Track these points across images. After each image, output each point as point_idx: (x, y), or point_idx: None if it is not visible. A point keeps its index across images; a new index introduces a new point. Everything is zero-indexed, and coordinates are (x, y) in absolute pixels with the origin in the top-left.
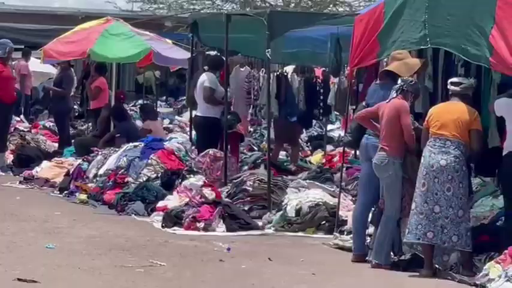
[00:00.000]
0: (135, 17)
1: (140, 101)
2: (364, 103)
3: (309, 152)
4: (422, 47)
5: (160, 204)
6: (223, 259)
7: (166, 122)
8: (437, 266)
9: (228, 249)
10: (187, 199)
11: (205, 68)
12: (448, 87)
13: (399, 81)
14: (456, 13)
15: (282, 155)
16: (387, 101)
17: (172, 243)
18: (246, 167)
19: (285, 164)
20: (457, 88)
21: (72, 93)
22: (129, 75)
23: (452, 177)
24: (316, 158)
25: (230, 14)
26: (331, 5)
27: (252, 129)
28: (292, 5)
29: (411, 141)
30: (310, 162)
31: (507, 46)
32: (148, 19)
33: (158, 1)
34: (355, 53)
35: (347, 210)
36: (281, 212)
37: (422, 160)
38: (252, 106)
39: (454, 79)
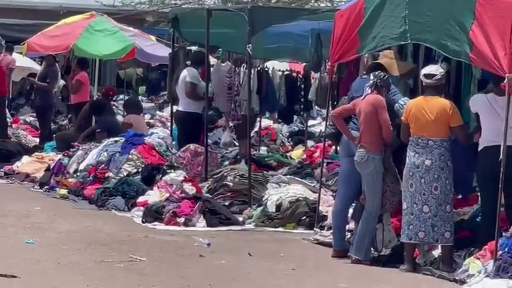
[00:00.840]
0: (116, 12)
1: (122, 96)
2: (346, 97)
3: (290, 148)
4: (402, 42)
5: (140, 199)
6: (203, 254)
7: (147, 117)
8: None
9: (208, 244)
10: (168, 194)
11: (187, 63)
12: (422, 79)
13: (371, 76)
14: (436, 9)
15: (263, 150)
16: (362, 97)
17: (153, 238)
18: (227, 162)
19: (266, 159)
20: (430, 81)
21: (56, 89)
22: (111, 70)
23: (438, 176)
24: (297, 153)
25: (211, 9)
26: (312, 0)
27: (232, 125)
28: (274, 0)
29: (389, 136)
30: (291, 158)
31: (487, 42)
32: (130, 14)
33: None
34: (335, 48)
35: (327, 205)
36: (261, 207)
37: (407, 160)
38: (233, 101)
39: (426, 71)
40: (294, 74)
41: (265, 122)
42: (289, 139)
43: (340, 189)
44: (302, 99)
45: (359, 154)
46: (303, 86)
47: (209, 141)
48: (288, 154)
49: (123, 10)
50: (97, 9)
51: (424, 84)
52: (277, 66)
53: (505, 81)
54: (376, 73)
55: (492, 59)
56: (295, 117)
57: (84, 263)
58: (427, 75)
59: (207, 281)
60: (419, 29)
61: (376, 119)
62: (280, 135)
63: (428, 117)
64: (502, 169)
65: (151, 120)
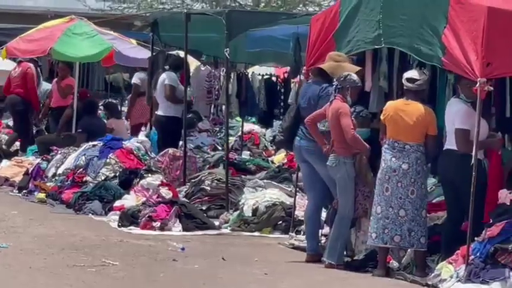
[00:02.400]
0: (104, 17)
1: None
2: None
3: (272, 152)
4: (376, 46)
5: (117, 203)
6: (177, 259)
7: None
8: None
9: (182, 248)
10: (144, 198)
11: (166, 67)
12: (403, 82)
13: (334, 81)
14: (410, 13)
15: (246, 154)
16: (329, 103)
17: (127, 242)
18: (207, 166)
19: (246, 163)
20: (411, 85)
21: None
22: (99, 75)
23: (415, 180)
24: (279, 157)
25: (190, 13)
26: (300, 5)
27: (217, 129)
28: (263, 4)
29: (352, 141)
30: (273, 162)
31: (459, 46)
32: (117, 18)
33: (128, 0)
34: (311, 52)
35: (303, 210)
36: (238, 211)
37: (383, 164)
38: (213, 105)
39: (409, 75)
40: (274, 78)
41: (249, 126)
42: (272, 143)
43: (307, 194)
44: (282, 103)
45: (330, 159)
46: (282, 90)
47: (191, 145)
48: (270, 158)
49: (110, 14)
50: (85, 13)
51: (404, 87)
52: (256, 71)
53: (476, 85)
54: (338, 76)
55: (464, 63)
56: (274, 121)
57: (55, 267)
58: (409, 79)
59: (178, 285)
60: (393, 33)
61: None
62: (263, 139)
63: (406, 122)
64: (474, 173)
65: None
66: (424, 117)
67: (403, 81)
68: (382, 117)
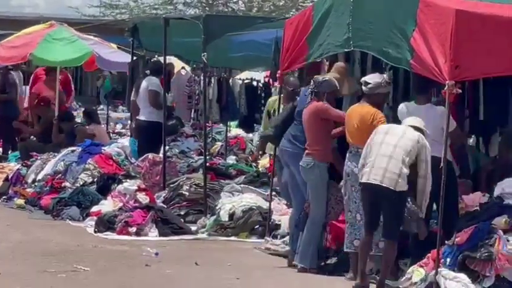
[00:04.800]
0: (94, 22)
1: (101, 106)
2: (288, 105)
3: (259, 156)
4: (346, 49)
5: (94, 209)
6: (150, 264)
7: (119, 127)
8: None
9: (156, 253)
10: (121, 204)
11: (147, 72)
12: (361, 86)
13: (311, 83)
14: (379, 16)
15: (232, 159)
16: (305, 106)
17: (102, 248)
18: (188, 171)
19: (229, 168)
20: (364, 88)
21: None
22: (92, 82)
23: None
24: (264, 161)
25: (168, 18)
26: (293, 10)
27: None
28: (255, 9)
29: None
30: (256, 167)
31: (428, 49)
32: (99, 24)
33: (120, 6)
34: (285, 56)
35: (280, 214)
36: (214, 216)
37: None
38: (193, 110)
39: (364, 78)
40: (254, 83)
41: (235, 131)
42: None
43: (292, 198)
44: (262, 108)
45: (305, 160)
46: (263, 94)
47: (176, 150)
48: (254, 164)
49: (101, 20)
50: (77, 19)
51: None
52: (244, 76)
53: (445, 88)
54: (314, 79)
55: (433, 66)
56: (256, 125)
57: (26, 274)
58: (363, 83)
59: None
60: (362, 36)
61: (319, 127)
62: (250, 144)
63: (354, 125)
64: (443, 177)
65: (123, 130)
66: (365, 119)
67: (361, 84)
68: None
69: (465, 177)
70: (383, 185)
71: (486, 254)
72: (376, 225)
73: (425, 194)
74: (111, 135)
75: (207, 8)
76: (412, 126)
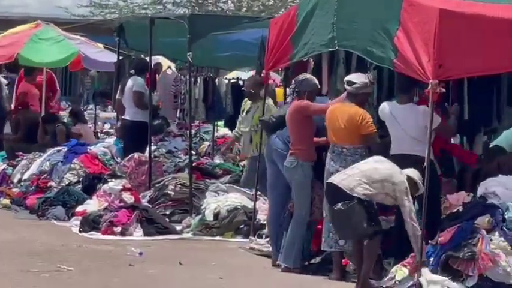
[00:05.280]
0: (82, 22)
1: (91, 106)
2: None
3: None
4: (330, 49)
5: (79, 208)
6: (134, 264)
7: (107, 126)
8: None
9: (140, 253)
10: (106, 203)
11: (132, 71)
12: (344, 85)
13: (292, 83)
14: (363, 15)
15: (220, 159)
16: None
17: (87, 248)
18: (174, 171)
19: (216, 168)
20: (349, 88)
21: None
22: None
23: None
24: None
25: (154, 18)
26: (282, 9)
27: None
28: (244, 9)
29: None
30: (243, 166)
31: (411, 48)
32: (85, 24)
33: (109, 6)
34: (269, 55)
35: (265, 214)
36: (200, 216)
37: (326, 166)
38: (179, 110)
39: (348, 78)
40: (241, 82)
41: (223, 131)
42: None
43: (268, 195)
44: None
45: (288, 160)
46: None
47: (163, 150)
48: (242, 163)
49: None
50: (66, 19)
51: (346, 90)
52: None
53: (428, 87)
54: (295, 78)
55: (416, 65)
56: None
57: (9, 273)
58: (347, 82)
59: None
60: (346, 36)
61: (302, 126)
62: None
63: (339, 125)
64: (426, 176)
65: (111, 130)
66: (354, 119)
67: (344, 83)
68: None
69: (450, 177)
70: (339, 185)
71: (469, 253)
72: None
73: (415, 237)
74: (99, 135)
75: (196, 8)
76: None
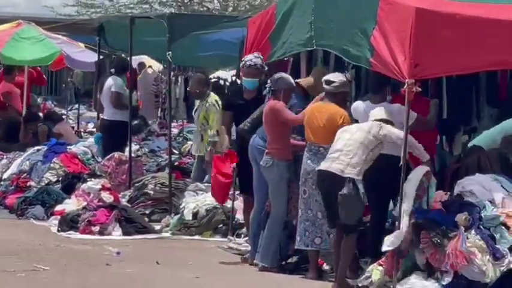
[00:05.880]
0: (66, 21)
1: (76, 106)
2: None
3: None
4: (308, 48)
5: (58, 208)
6: (111, 263)
7: (90, 125)
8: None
9: (118, 253)
10: (85, 203)
11: (112, 71)
12: (323, 84)
13: (268, 82)
14: (340, 15)
15: None
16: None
17: (64, 247)
18: (154, 170)
19: None
20: (328, 87)
21: None
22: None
23: None
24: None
25: (134, 17)
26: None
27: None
28: (230, 8)
29: (298, 123)
30: None
31: (387, 47)
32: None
33: (95, 5)
34: (248, 54)
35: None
36: (178, 215)
37: (302, 166)
38: (160, 109)
39: (327, 77)
40: (222, 82)
41: None
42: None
43: (255, 196)
44: None
45: (264, 159)
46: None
47: (146, 149)
48: None
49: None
50: (52, 18)
51: (325, 90)
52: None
53: (404, 86)
54: (271, 77)
55: (392, 64)
56: None
57: None
58: (326, 81)
59: None
60: (324, 35)
61: (277, 126)
62: None
63: (318, 124)
64: (402, 174)
65: (94, 129)
66: (334, 118)
67: (323, 83)
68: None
69: None
70: (330, 170)
71: (438, 241)
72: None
73: (415, 147)
74: (82, 134)
75: (182, 8)
76: (377, 120)
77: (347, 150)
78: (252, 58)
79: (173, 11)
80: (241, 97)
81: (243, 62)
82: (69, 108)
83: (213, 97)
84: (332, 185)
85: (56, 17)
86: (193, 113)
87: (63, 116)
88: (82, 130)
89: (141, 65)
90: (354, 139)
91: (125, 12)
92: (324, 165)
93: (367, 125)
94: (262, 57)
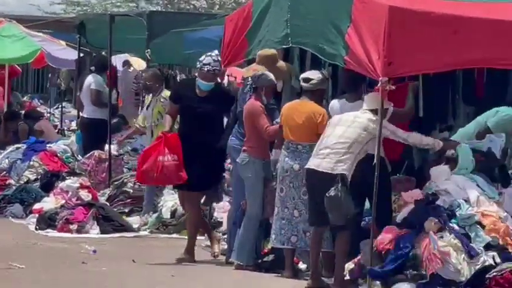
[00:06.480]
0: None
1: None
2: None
3: None
4: (284, 46)
5: (36, 206)
6: (87, 261)
7: (73, 124)
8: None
9: (94, 251)
10: (64, 201)
11: (92, 68)
12: (300, 82)
13: (249, 79)
14: (315, 12)
15: None
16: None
17: (42, 245)
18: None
19: None
20: (306, 85)
21: None
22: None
23: None
24: None
25: (113, 15)
26: None
27: None
28: (217, 7)
29: (271, 137)
30: None
31: (362, 45)
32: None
33: (81, 3)
34: (225, 52)
35: (223, 211)
36: (157, 213)
37: (278, 164)
38: (140, 107)
39: (304, 75)
40: None
41: None
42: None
43: (233, 194)
44: None
45: (241, 157)
46: None
47: (128, 147)
48: None
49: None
50: (39, 16)
51: (302, 88)
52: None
53: (378, 84)
54: (252, 75)
55: (366, 63)
56: None
57: None
58: (304, 79)
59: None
60: (299, 33)
61: (254, 125)
62: None
63: (296, 121)
64: (376, 173)
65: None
66: (313, 116)
67: (300, 81)
68: (280, 121)
69: (409, 174)
70: (319, 169)
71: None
72: (321, 219)
73: (421, 143)
74: (65, 132)
75: (169, 6)
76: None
77: (338, 148)
78: (211, 62)
79: (159, 9)
80: (193, 92)
81: (201, 64)
82: (55, 107)
83: (166, 93)
84: (320, 185)
85: (43, 15)
86: (145, 109)
87: (47, 114)
88: (66, 128)
89: (126, 62)
90: (346, 136)
91: (111, 10)
92: (313, 163)
93: (363, 121)
94: (220, 60)
